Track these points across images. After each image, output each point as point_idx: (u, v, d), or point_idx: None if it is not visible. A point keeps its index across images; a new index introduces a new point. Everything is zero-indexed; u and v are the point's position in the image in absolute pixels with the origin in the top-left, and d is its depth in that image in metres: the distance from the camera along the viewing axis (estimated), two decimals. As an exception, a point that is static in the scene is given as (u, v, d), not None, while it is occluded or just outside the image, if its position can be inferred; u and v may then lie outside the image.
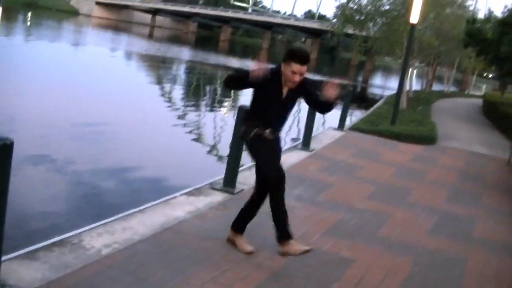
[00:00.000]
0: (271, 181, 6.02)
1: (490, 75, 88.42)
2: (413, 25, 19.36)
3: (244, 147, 6.57)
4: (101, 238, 6.05)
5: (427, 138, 18.10)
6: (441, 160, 15.41)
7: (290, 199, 8.49)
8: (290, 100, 6.10)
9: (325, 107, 6.11)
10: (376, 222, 8.48)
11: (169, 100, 23.96)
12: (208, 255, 6.05)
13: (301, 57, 5.77)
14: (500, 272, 7.38)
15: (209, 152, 15.09)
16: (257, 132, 6.08)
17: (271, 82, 5.90)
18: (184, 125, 18.05)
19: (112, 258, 5.58)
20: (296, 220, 7.57)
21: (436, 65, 51.95)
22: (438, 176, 13.06)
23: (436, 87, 60.16)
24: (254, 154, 6.22)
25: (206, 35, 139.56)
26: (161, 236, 6.39)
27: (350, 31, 33.00)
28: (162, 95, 25.43)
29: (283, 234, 5.98)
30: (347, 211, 8.77)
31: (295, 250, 5.86)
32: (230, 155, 8.82)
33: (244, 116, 6.42)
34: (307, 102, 6.29)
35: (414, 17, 18.91)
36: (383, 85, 64.29)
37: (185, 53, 60.07)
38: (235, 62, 57.92)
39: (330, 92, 5.78)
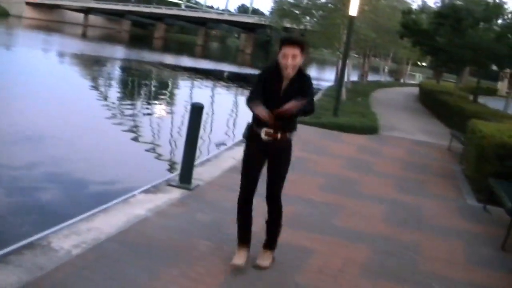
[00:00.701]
0: (239, 196, 6.23)
1: (424, 64, 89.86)
2: (351, 18, 19.69)
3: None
4: (69, 239, 6.17)
5: (370, 129, 18.49)
6: (385, 150, 15.79)
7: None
8: (289, 94, 5.67)
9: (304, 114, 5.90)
10: (330, 213, 8.75)
11: (105, 99, 23.65)
12: (175, 252, 6.23)
13: (289, 39, 5.81)
14: (451, 254, 7.72)
15: (149, 150, 14.98)
16: (253, 130, 5.95)
17: (270, 76, 5.80)
18: (122, 124, 17.78)
19: (82, 258, 5.72)
20: (254, 213, 7.79)
21: (371, 56, 52.71)
22: (384, 166, 13.41)
23: (372, 77, 60.91)
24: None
25: (140, 33, 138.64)
26: (126, 235, 6.54)
27: (288, 25, 33.34)
28: (98, 95, 25.09)
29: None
30: (301, 203, 9.02)
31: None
32: (184, 152, 8.98)
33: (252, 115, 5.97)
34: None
35: (353, 10, 19.24)
36: (318, 77, 64.76)
37: (119, 52, 59.58)
38: (170, 59, 57.78)
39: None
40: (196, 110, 8.84)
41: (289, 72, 5.69)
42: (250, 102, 5.73)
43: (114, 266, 5.63)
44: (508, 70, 27.28)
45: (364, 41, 32.24)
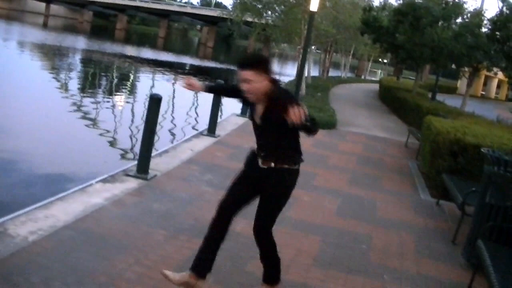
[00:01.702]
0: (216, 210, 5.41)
1: (385, 61, 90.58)
2: (312, 13, 19.80)
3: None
4: (25, 226, 6.22)
5: (327, 124, 18.66)
6: (341, 145, 15.98)
7: (201, 184, 8.88)
8: (269, 121, 5.01)
9: (306, 132, 4.72)
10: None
11: (65, 90, 23.48)
12: (130, 240, 6.31)
13: (239, 61, 4.94)
14: (402, 247, 7.89)
15: (108, 141, 14.96)
16: (252, 155, 5.39)
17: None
18: (81, 115, 17.66)
19: (39, 245, 5.78)
20: (209, 204, 7.89)
21: (332, 52, 53.01)
22: (340, 160, 13.58)
23: (332, 73, 61.26)
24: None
25: (102, 24, 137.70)
26: (83, 223, 6.60)
27: (249, 19, 33.40)
28: (58, 85, 24.88)
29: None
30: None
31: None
32: (142, 143, 9.05)
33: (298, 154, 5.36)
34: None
35: (314, 5, 19.34)
36: (280, 72, 64.99)
37: (80, 43, 59.18)
38: (132, 51, 57.57)
39: (292, 117, 4.39)
40: (155, 101, 8.91)
41: (251, 97, 4.94)
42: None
43: (70, 253, 5.69)
44: (466, 69, 27.58)
45: (325, 37, 32.46)
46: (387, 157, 15.35)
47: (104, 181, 8.51)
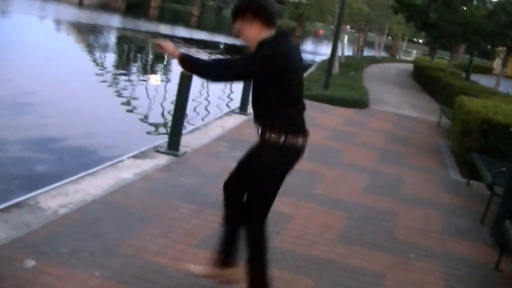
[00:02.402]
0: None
1: (420, 41, 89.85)
2: (345, -8, 19.78)
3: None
4: (56, 200, 6.34)
5: (359, 102, 18.64)
6: (371, 123, 15.95)
7: (229, 160, 8.95)
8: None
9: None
10: (311, 181, 8.93)
11: (100, 67, 23.61)
12: (157, 214, 6.40)
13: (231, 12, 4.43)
14: (427, 224, 7.91)
15: (143, 120, 15.04)
16: None
17: None
18: (117, 93, 17.84)
19: (68, 218, 5.89)
20: None
21: (366, 31, 52.73)
22: (369, 138, 13.57)
23: (367, 52, 60.92)
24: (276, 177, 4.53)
25: (136, 2, 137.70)
26: (111, 197, 6.71)
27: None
28: (93, 62, 25.04)
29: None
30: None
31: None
32: (173, 119, 9.14)
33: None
34: None
35: (347, -16, 19.34)
36: (314, 51, 64.73)
37: (115, 21, 59.39)
38: (166, 29, 57.64)
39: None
40: (185, 78, 8.98)
41: (250, 46, 4.36)
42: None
43: (97, 225, 5.80)
44: (501, 49, 27.28)
45: (358, 15, 32.29)
46: (418, 135, 15.32)
47: (135, 157, 8.62)
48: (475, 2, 24.55)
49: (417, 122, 17.68)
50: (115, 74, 22.20)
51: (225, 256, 4.77)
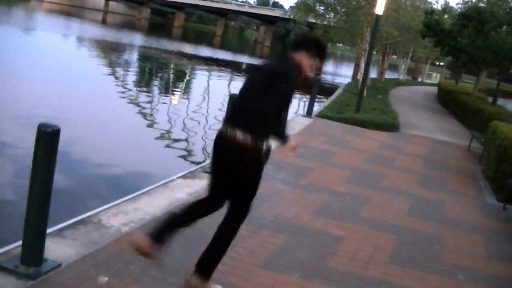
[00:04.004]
0: (247, 214, 5.33)
1: (442, 64, 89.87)
2: (377, 17, 19.99)
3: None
4: (117, 218, 6.59)
5: (391, 126, 18.85)
6: (406, 147, 16.16)
7: (276, 182, 9.18)
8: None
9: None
10: (357, 204, 9.15)
11: (124, 87, 23.71)
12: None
13: (325, 57, 5.22)
14: (473, 248, 8.11)
15: (168, 144, 15.11)
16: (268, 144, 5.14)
17: (294, 82, 5.00)
18: (142, 115, 17.98)
19: (132, 236, 6.12)
20: (285, 201, 8.32)
21: (390, 53, 52.90)
22: (406, 162, 13.79)
23: (389, 75, 61.06)
24: (257, 183, 5.22)
25: (160, 21, 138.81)
26: (170, 216, 6.94)
27: (312, 20, 33.71)
28: (118, 82, 25.11)
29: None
30: (330, 194, 9.42)
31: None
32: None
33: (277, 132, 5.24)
34: None
35: (379, 9, 19.53)
36: (335, 72, 65.22)
37: (138, 39, 59.80)
38: (189, 49, 58.03)
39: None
40: (234, 100, 9.22)
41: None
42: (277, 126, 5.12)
43: (162, 244, 6.03)
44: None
45: (385, 39, 32.56)
46: (451, 160, 15.50)
47: (184, 177, 8.88)
48: (504, 28, 24.75)
49: (448, 147, 17.85)
50: (141, 94, 22.24)
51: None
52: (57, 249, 5.42)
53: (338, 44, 51.43)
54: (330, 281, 5.93)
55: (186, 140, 15.17)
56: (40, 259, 5.03)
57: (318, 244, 6.91)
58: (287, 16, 45.22)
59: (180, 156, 13.64)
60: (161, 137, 15.30)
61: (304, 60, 5.04)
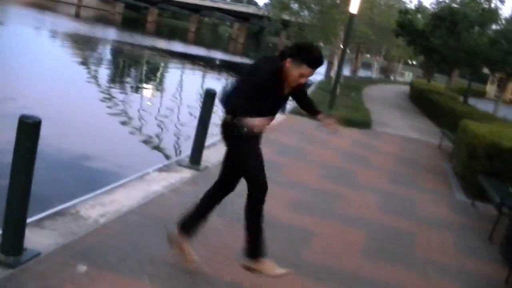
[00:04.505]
0: (259, 191, 5.39)
1: (414, 63, 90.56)
2: (352, 15, 20.18)
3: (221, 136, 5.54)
4: (95, 209, 6.68)
5: (363, 123, 19.08)
6: (378, 145, 16.40)
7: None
8: (287, 99, 5.47)
9: (311, 112, 5.72)
10: (330, 200, 9.32)
11: (96, 81, 23.37)
12: (192, 225, 6.76)
13: (315, 62, 5.07)
14: (443, 243, 8.34)
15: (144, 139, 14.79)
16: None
17: (271, 82, 5.12)
18: (112, 107, 17.88)
19: (109, 227, 6.22)
20: None
21: (363, 52, 53.30)
22: (378, 160, 14.00)
23: (362, 73, 61.44)
24: (242, 156, 5.44)
25: (133, 16, 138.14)
26: (146, 208, 7.06)
27: (286, 17, 33.85)
28: (90, 76, 24.76)
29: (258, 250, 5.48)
30: (304, 190, 9.60)
31: (270, 271, 5.41)
32: (196, 135, 9.51)
33: (239, 110, 5.07)
34: (297, 99, 5.67)
35: (354, 8, 19.72)
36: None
37: (112, 34, 59.46)
38: (163, 44, 57.88)
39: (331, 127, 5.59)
40: (210, 96, 9.35)
41: (298, 85, 5.23)
42: (243, 113, 4.98)
43: (138, 236, 6.15)
44: (498, 74, 27.93)
45: (359, 38, 32.81)
46: (422, 157, 15.76)
47: (160, 170, 8.99)
48: (476, 29, 25.09)
49: (420, 145, 18.11)
50: (113, 89, 21.97)
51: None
52: (36, 239, 5.50)
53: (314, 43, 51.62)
54: (304, 273, 6.09)
55: (158, 135, 15.15)
56: (20, 248, 5.12)
57: (291, 238, 7.07)
58: (261, 13, 45.49)
59: (153, 150, 13.66)
60: (135, 132, 15.26)
61: (289, 67, 5.05)
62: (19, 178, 4.95)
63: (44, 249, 5.34)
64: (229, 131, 5.28)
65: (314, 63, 5.03)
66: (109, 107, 17.75)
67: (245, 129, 4.95)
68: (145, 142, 14.22)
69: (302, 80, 5.12)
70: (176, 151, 13.56)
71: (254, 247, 5.44)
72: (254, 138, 5.28)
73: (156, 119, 17.36)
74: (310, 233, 7.43)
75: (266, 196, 5.36)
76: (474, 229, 9.51)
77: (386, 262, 6.96)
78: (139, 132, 15.23)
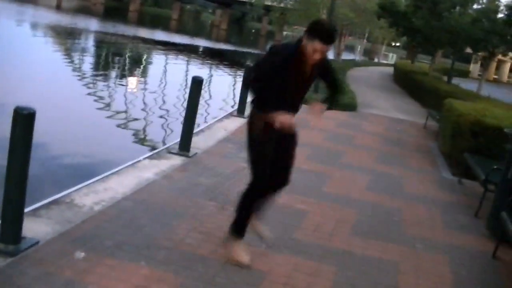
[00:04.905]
0: (255, 186, 5.66)
1: (398, 44, 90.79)
2: (333, -1, 20.34)
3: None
4: (89, 197, 6.80)
5: (349, 106, 19.21)
6: (364, 126, 16.57)
7: (238, 161, 9.46)
8: (311, 80, 5.40)
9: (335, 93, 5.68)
10: (319, 180, 9.48)
11: (80, 71, 23.22)
12: (185, 210, 6.90)
13: (328, 37, 5.03)
14: (430, 220, 8.52)
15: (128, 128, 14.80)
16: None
17: (289, 62, 5.20)
18: (96, 98, 17.66)
19: (105, 214, 6.36)
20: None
21: (345, 35, 53.37)
22: (364, 140, 14.17)
23: (346, 56, 61.51)
24: (252, 146, 5.60)
25: (115, 6, 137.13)
26: (139, 195, 7.18)
27: (269, 3, 33.94)
28: (74, 67, 24.43)
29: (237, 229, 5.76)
30: (293, 171, 9.72)
31: (234, 255, 5.72)
32: (184, 122, 9.63)
33: (256, 104, 5.45)
34: (325, 82, 5.68)
35: (335, -9, 19.88)
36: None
37: (94, 25, 59.06)
38: (145, 33, 57.60)
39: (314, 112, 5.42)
40: (196, 83, 9.48)
41: (314, 62, 5.18)
42: (254, 89, 5.33)
43: (133, 221, 6.28)
44: (481, 54, 28.13)
45: (342, 20, 32.92)
46: (408, 137, 15.95)
47: (150, 157, 9.12)
48: (457, 9, 25.25)
49: (405, 125, 18.29)
50: (96, 78, 21.90)
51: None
52: (33, 227, 5.62)
53: (294, 27, 51.64)
54: (296, 252, 6.24)
55: (144, 128, 15.06)
56: (19, 237, 5.24)
57: (282, 218, 7.22)
58: (244, -1, 45.37)
59: (137, 140, 13.64)
60: (122, 124, 15.13)
61: (305, 43, 5.10)
62: (15, 168, 5.06)
63: (42, 237, 5.46)
64: (251, 122, 5.52)
65: (326, 38, 5.01)
66: (95, 100, 17.53)
67: (276, 125, 5.17)
68: (132, 132, 14.22)
69: (316, 56, 5.08)
70: (164, 139, 13.56)
71: (234, 225, 5.75)
72: (271, 133, 5.39)
73: (142, 109, 17.32)
74: (301, 213, 7.59)
75: (264, 192, 5.77)
76: (461, 205, 9.71)
77: (377, 239, 7.12)
78: (125, 122, 15.19)
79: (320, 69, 5.33)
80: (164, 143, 12.18)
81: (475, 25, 23.71)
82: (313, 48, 5.04)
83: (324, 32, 5.03)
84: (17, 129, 4.98)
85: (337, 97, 5.72)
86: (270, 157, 5.54)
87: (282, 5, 33.52)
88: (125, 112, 16.26)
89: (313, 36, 5.02)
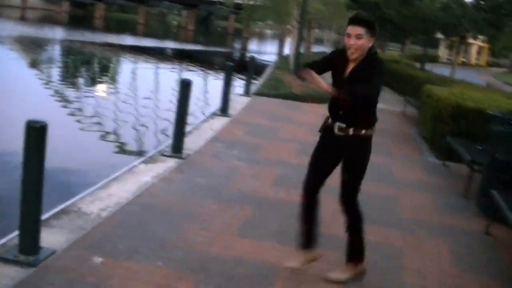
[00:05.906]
0: (302, 187, 5.89)
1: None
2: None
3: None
4: (95, 205, 6.97)
5: (326, 98, 19.38)
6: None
7: (231, 159, 9.69)
8: (355, 78, 5.17)
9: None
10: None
11: (48, 82, 22.60)
12: (190, 210, 7.09)
13: (354, 18, 5.06)
14: (425, 204, 8.86)
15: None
16: (327, 124, 5.64)
17: (338, 58, 5.30)
18: (66, 106, 17.38)
19: (113, 219, 6.54)
20: (246, 177, 8.91)
21: (314, 28, 53.64)
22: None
23: (316, 48, 61.70)
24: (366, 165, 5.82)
25: (80, 13, 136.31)
26: (142, 199, 7.36)
27: (239, 1, 34.08)
28: (42, 78, 23.91)
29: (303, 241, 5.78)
30: (284, 166, 9.98)
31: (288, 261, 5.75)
32: (176, 124, 9.83)
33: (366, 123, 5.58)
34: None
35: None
36: (258, 50, 65.62)
37: (60, 33, 58.53)
38: (113, 39, 57.28)
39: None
40: (185, 85, 9.68)
41: (352, 52, 5.08)
42: (303, 69, 5.29)
43: (142, 225, 6.45)
44: (451, 38, 28.56)
45: (312, 14, 33.13)
46: (389, 125, 16.20)
47: (145, 162, 9.29)
48: (427, -4, 25.65)
49: (384, 113, 18.46)
50: (65, 87, 21.50)
51: (311, 245, 5.79)
52: (48, 237, 5.76)
53: (259, 23, 51.73)
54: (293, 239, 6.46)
55: (118, 134, 14.64)
56: (37, 248, 5.40)
57: (284, 212, 7.43)
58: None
59: (118, 150, 13.33)
60: (101, 132, 14.92)
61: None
62: (31, 180, 5.23)
63: (58, 247, 5.63)
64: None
65: (351, 19, 5.07)
66: (65, 106, 17.38)
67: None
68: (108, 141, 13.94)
69: (350, 41, 5.02)
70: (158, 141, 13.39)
71: (300, 237, 5.80)
72: (324, 137, 5.71)
73: (115, 116, 16.86)
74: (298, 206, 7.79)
75: (308, 195, 5.91)
76: (449, 187, 10.06)
77: (375, 225, 7.33)
78: (102, 131, 14.77)
79: (367, 70, 5.12)
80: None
81: (447, 11, 24.05)
82: (346, 34, 5.09)
83: (351, 16, 5.15)
84: (30, 141, 5.15)
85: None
86: None
87: (251, 2, 33.65)
88: (97, 121, 15.89)
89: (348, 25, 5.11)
